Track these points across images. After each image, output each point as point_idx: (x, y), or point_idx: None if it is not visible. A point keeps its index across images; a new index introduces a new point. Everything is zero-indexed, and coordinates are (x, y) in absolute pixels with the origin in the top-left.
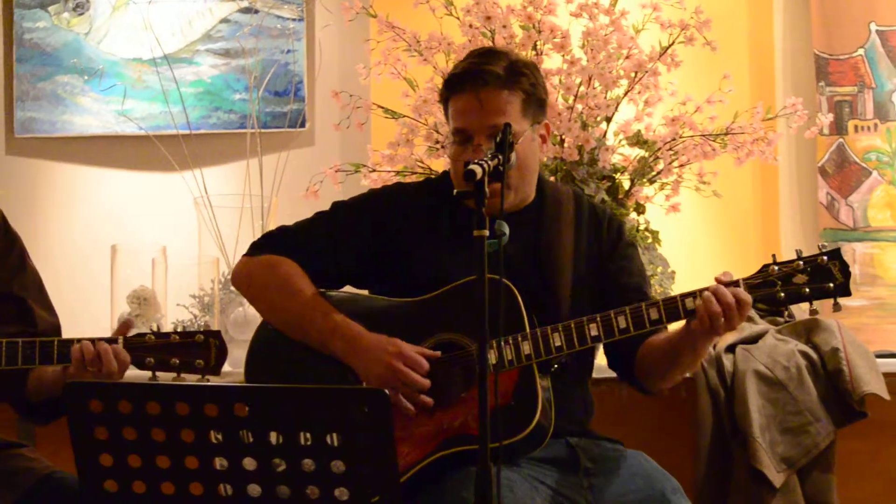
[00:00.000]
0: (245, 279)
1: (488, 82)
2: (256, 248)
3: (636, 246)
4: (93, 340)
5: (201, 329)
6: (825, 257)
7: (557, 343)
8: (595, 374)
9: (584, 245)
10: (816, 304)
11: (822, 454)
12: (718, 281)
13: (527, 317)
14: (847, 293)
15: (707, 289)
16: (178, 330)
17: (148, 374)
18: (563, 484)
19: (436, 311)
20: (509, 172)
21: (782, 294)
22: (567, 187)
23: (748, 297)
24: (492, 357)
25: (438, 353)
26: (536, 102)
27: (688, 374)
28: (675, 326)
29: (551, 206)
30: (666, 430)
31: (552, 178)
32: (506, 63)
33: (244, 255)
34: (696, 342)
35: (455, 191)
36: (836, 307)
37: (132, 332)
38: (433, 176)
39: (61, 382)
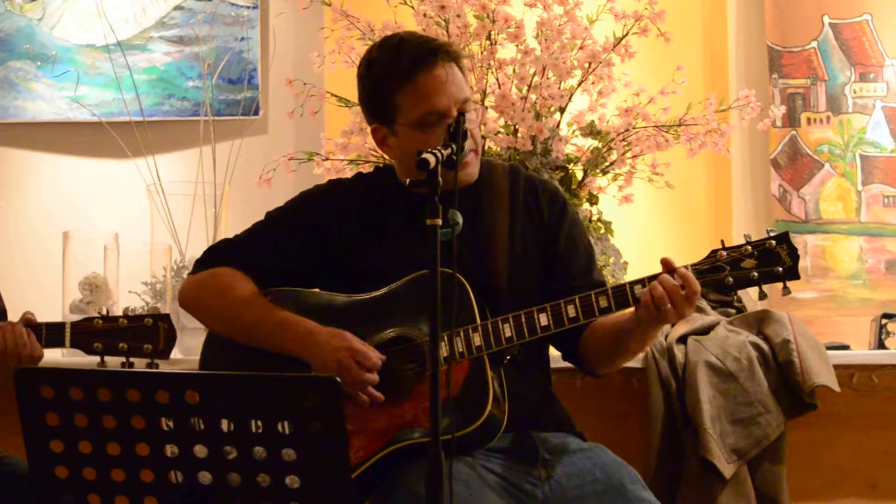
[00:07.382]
0: (190, 297)
1: (456, 55)
2: (200, 264)
3: (580, 222)
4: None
5: (149, 313)
6: (773, 241)
7: (508, 334)
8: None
9: (520, 223)
10: (767, 288)
11: (773, 445)
12: (665, 263)
13: (477, 308)
14: (796, 276)
15: (656, 276)
16: (127, 314)
17: (97, 359)
18: (519, 475)
19: (387, 305)
20: (468, 156)
21: (730, 279)
22: (502, 162)
23: (693, 279)
24: (443, 350)
25: (384, 357)
26: None
27: (634, 364)
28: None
29: (486, 185)
30: (618, 420)
31: None
32: (443, 41)
33: (188, 274)
34: (645, 330)
35: (407, 180)
36: (786, 291)
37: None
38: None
39: None
